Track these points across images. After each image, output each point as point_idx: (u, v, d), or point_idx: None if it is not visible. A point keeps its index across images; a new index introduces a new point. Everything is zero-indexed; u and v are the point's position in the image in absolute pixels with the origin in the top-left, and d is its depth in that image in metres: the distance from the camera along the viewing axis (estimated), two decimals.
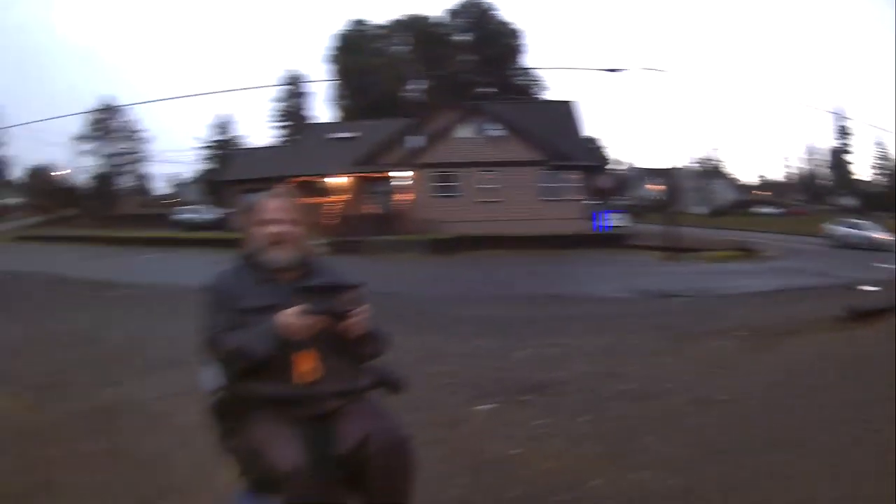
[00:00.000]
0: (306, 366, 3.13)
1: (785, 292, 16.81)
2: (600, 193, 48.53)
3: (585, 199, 44.19)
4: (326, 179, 45.22)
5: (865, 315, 10.80)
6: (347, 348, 3.21)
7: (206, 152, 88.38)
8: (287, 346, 3.07)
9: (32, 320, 12.61)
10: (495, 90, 73.60)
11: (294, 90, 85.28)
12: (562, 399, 6.78)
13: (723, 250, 33.24)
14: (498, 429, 5.86)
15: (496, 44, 77.37)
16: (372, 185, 45.26)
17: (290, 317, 3.03)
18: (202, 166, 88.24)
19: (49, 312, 13.60)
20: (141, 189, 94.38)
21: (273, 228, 3.35)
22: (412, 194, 43.55)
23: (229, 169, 56.12)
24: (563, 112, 49.34)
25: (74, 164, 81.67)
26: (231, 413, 3.18)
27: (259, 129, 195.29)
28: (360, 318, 3.13)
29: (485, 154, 42.75)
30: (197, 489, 4.34)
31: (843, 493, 4.20)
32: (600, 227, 41.18)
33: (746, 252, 32.83)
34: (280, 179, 42.87)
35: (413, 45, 79.45)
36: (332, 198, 44.76)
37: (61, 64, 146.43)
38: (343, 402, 3.15)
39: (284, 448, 2.88)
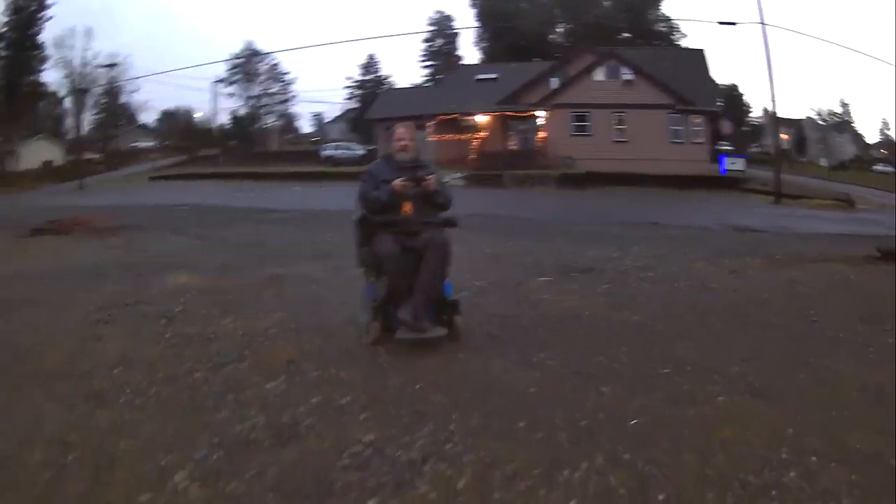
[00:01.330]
0: (407, 207, 6.00)
1: (849, 236, 17.40)
2: (723, 138, 49.68)
3: (709, 144, 45.51)
4: (469, 118, 47.98)
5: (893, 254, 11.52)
6: (427, 199, 6.07)
7: (352, 92, 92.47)
8: (396, 197, 5.94)
9: (203, 234, 15.81)
10: (632, 36, 74.35)
11: (442, 31, 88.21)
12: (597, 277, 9.44)
13: (824, 199, 34.59)
14: (544, 289, 8.60)
15: None
16: (512, 123, 47.79)
17: (400, 184, 5.91)
18: (348, 106, 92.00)
19: (215, 229, 16.72)
20: (284, 129, 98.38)
21: (400, 142, 6.33)
22: (548, 132, 45.82)
23: (374, 108, 59.45)
24: (692, 59, 50.36)
25: (214, 106, 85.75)
26: (365, 231, 6.05)
27: (405, 69, 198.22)
28: (429, 184, 5.98)
29: (618, 97, 44.65)
30: (336, 307, 7.33)
31: (785, 350, 6.07)
32: (721, 170, 42.21)
33: (844, 203, 33.87)
34: (425, 117, 46.75)
35: None
36: (474, 135, 47.53)
37: (200, 11, 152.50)
38: (422, 227, 5.95)
39: (387, 244, 5.76)
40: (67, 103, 74.52)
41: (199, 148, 75.68)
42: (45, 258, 12.58)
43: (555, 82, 47.70)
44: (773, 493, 3.35)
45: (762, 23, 34.17)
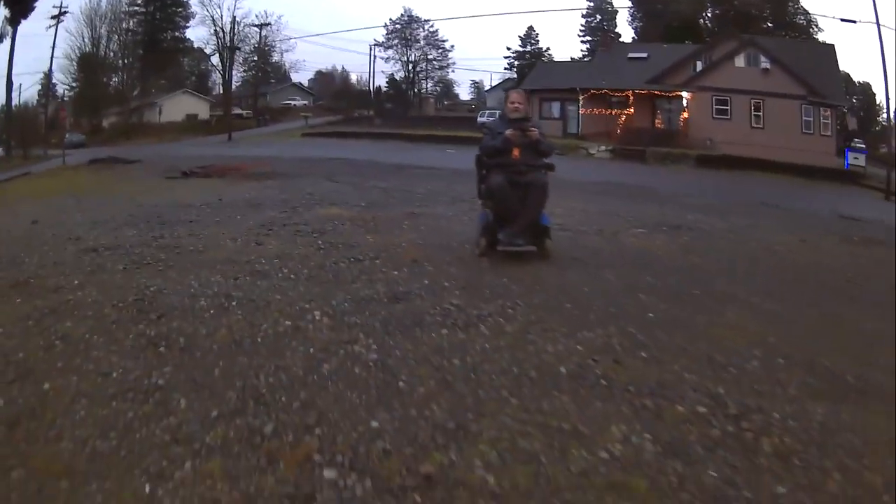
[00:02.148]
0: (516, 152, 7.33)
1: None
2: (851, 134, 48.84)
3: (835, 137, 45.06)
4: (618, 94, 48.54)
5: None
6: (532, 147, 7.40)
7: (511, 62, 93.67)
8: (509, 144, 7.32)
9: (354, 181, 17.59)
10: (773, 25, 73.26)
11: (600, 8, 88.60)
12: (684, 233, 10.43)
13: None
14: (635, 235, 9.78)
15: None
16: (658, 101, 48.07)
17: (510, 133, 7.30)
18: (507, 75, 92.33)
19: (366, 178, 18.56)
20: (442, 94, 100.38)
21: (512, 104, 7.74)
22: (691, 113, 46.16)
23: (530, 78, 60.51)
24: (824, 53, 49.23)
25: (371, 69, 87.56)
26: (483, 169, 7.57)
27: (564, 43, 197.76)
28: (533, 134, 7.32)
29: (756, 84, 44.32)
30: (458, 234, 8.75)
31: (806, 294, 7.41)
32: (846, 164, 41.50)
33: None
34: (577, 91, 47.98)
35: None
36: (623, 111, 48.28)
37: None
38: (529, 169, 7.30)
39: (499, 179, 7.16)
40: (215, 60, 77.40)
41: (354, 109, 77.43)
42: (202, 193, 14.67)
43: (700, 66, 47.75)
44: (733, 370, 4.37)
45: (877, 22, 33.35)
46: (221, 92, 73.89)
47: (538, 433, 3.29)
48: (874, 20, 33.66)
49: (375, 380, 3.87)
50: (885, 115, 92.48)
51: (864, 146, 45.57)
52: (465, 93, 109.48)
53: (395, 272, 6.59)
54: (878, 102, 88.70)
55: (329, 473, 2.90)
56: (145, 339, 4.51)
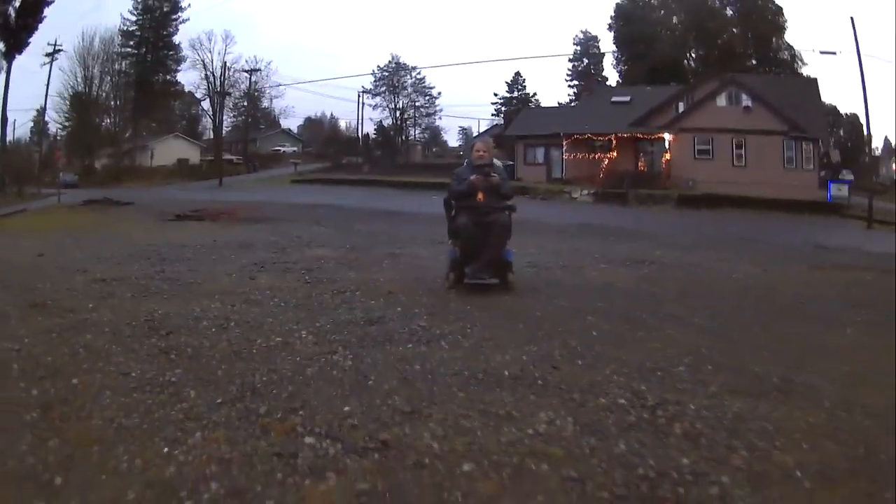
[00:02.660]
0: (480, 196, 8.29)
1: None
2: (831, 166, 50.14)
3: (817, 170, 46.27)
4: (601, 138, 49.61)
5: None
6: (495, 190, 8.34)
7: (498, 108, 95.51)
8: (474, 188, 8.25)
9: (340, 225, 18.81)
10: (757, 63, 75.53)
11: (586, 52, 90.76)
12: (646, 266, 11.46)
13: None
14: (597, 270, 10.72)
15: (759, 19, 78.79)
16: (641, 144, 49.36)
17: (475, 178, 8.27)
18: (494, 121, 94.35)
19: (351, 223, 19.76)
20: (429, 141, 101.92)
21: (477, 152, 8.63)
22: (673, 154, 47.34)
23: (515, 125, 61.91)
24: (806, 87, 50.82)
25: (359, 115, 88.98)
26: (450, 211, 8.52)
27: (551, 87, 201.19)
28: (494, 179, 8.27)
29: (738, 122, 45.67)
30: (433, 272, 9.62)
31: (756, 315, 8.40)
32: (829, 197, 42.09)
33: None
34: (560, 136, 49.30)
35: (684, 17, 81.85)
36: (605, 154, 49.40)
37: (344, 23, 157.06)
38: (491, 210, 8.23)
39: (465, 220, 8.14)
40: (205, 105, 78.71)
41: (343, 156, 78.59)
42: (196, 235, 15.74)
43: (682, 107, 49.25)
44: (660, 373, 5.15)
45: (858, 53, 34.56)
46: (212, 136, 75.03)
47: (478, 416, 4.08)
48: (855, 50, 34.25)
49: (349, 379, 4.70)
50: (873, 147, 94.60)
51: (851, 177, 46.64)
52: (453, 139, 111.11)
53: (373, 301, 7.50)
54: (865, 135, 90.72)
55: (309, 440, 3.68)
56: (157, 349, 5.34)
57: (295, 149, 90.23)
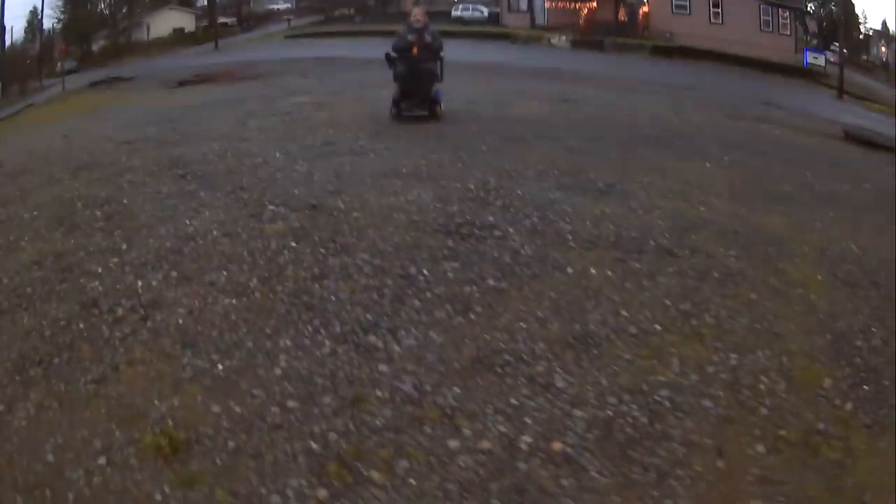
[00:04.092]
0: (415, 50, 10.83)
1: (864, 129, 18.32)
2: (808, 35, 50.94)
3: (794, 36, 46.98)
4: None
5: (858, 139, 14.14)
6: (427, 47, 10.81)
7: None
8: (410, 45, 10.84)
9: (323, 76, 20.66)
10: None
11: None
12: (573, 104, 13.83)
13: (885, 105, 33.20)
14: (524, 105, 13.06)
15: None
16: None
17: (412, 38, 10.86)
18: None
19: (334, 72, 21.56)
20: None
21: (414, 17, 11.30)
22: (651, 7, 48.13)
23: None
24: None
25: None
26: (391, 61, 11.05)
27: None
28: (426, 39, 10.73)
29: None
30: (385, 112, 11.96)
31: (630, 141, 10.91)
32: (804, 62, 42.54)
33: None
34: None
35: None
36: (585, 3, 50.26)
37: None
38: (423, 61, 10.74)
39: (402, 68, 10.95)
40: None
41: (335, 8, 78.67)
42: (197, 96, 18.10)
43: None
44: (513, 173, 7.83)
45: None
46: (206, 2, 75.25)
47: (374, 193, 6.68)
48: None
49: (301, 177, 7.32)
50: (867, 26, 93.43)
51: (821, 49, 47.32)
52: None
53: (331, 131, 10.05)
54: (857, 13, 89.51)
55: (270, 207, 6.31)
56: (178, 175, 7.84)
57: (288, 5, 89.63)
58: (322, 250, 5.25)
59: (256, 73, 23.22)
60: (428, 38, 10.85)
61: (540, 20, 52.18)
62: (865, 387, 3.96)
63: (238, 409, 3.46)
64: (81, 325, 4.34)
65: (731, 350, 4.21)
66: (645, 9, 48.20)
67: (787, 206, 7.44)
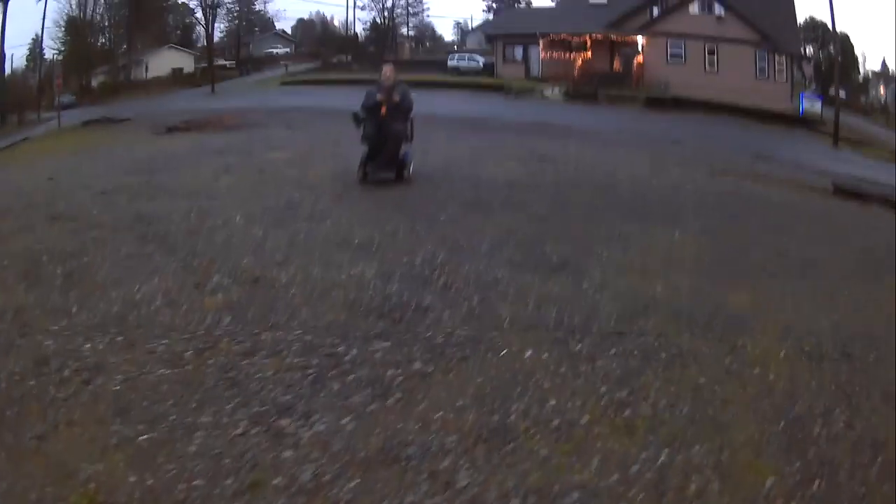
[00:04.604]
0: (384, 110, 11.01)
1: (856, 179, 18.59)
2: (806, 79, 51.44)
3: (794, 82, 47.26)
4: (577, 38, 50.86)
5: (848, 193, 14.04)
6: (395, 107, 10.96)
7: (490, 4, 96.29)
8: (378, 105, 10.99)
9: (308, 128, 21.32)
10: None
11: None
12: (538, 162, 14.03)
13: (881, 149, 34.12)
14: (499, 165, 13.24)
15: None
16: (615, 46, 50.57)
17: (380, 98, 11.09)
18: (487, 17, 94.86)
19: (319, 125, 22.05)
20: (418, 38, 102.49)
21: (384, 76, 11.43)
22: (646, 58, 48.67)
23: (496, 24, 63.85)
24: (781, 1, 51.36)
25: (346, 14, 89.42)
26: (360, 121, 11.17)
27: None
28: (396, 98, 10.91)
29: (710, 30, 46.64)
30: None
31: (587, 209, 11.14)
32: (800, 109, 43.13)
33: None
34: (538, 36, 51.03)
35: None
36: (581, 54, 50.87)
37: None
38: (392, 122, 10.90)
39: (370, 129, 11.01)
40: (199, 14, 79.45)
41: (333, 54, 79.58)
42: (183, 144, 18.52)
43: (656, 12, 50.28)
44: (466, 247, 7.91)
45: None
46: (206, 44, 76.15)
47: (320, 267, 6.77)
48: None
49: (256, 244, 7.46)
50: (866, 67, 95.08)
51: (819, 94, 47.68)
52: (448, 33, 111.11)
53: (297, 193, 10.19)
54: (855, 55, 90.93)
55: (216, 277, 6.44)
56: (140, 235, 8.00)
57: (287, 50, 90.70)
58: (255, 327, 5.33)
59: (244, 122, 23.68)
60: (397, 97, 10.97)
61: (535, 71, 52.97)
62: (816, 484, 3.61)
63: (150, 482, 3.51)
64: (33, 382, 4.46)
65: (664, 444, 3.90)
66: (640, 59, 48.91)
67: (756, 279, 7.25)
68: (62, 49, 73.98)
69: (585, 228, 8.83)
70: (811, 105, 43.31)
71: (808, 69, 56.26)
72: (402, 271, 6.65)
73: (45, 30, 70.16)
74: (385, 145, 10.86)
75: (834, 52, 53.68)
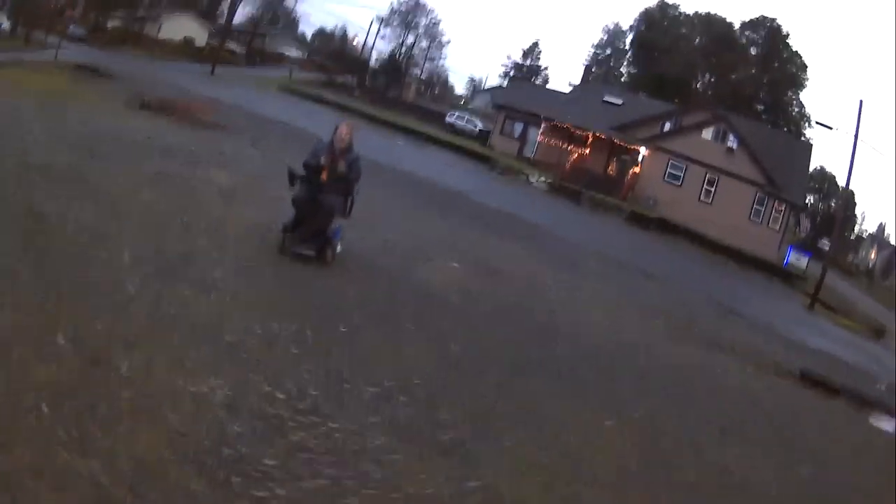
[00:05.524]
0: (324, 175, 9.45)
1: (823, 357, 17.79)
2: (801, 230, 51.70)
3: (784, 232, 47.45)
4: (579, 131, 51.01)
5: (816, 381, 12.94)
6: (339, 177, 9.66)
7: (507, 70, 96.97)
8: (320, 167, 9.54)
9: (270, 147, 20.46)
10: (764, 109, 76.87)
11: (612, 42, 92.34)
12: (488, 275, 13.09)
13: (858, 322, 33.46)
14: (440, 269, 12.33)
15: (781, 68, 79.87)
16: (616, 150, 50.78)
17: (325, 159, 9.52)
18: (499, 81, 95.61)
19: (283, 145, 21.17)
20: (426, 83, 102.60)
21: (340, 136, 9.81)
22: (643, 170, 48.81)
23: (503, 93, 63.65)
24: (798, 149, 52.30)
25: (364, 40, 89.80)
26: (293, 179, 9.63)
27: (564, 65, 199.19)
28: (341, 169, 9.57)
29: (716, 159, 46.94)
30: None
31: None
32: (785, 262, 43.22)
33: (875, 331, 32.67)
34: (540, 118, 51.10)
35: (706, 40, 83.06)
36: (578, 148, 50.97)
37: None
38: (328, 192, 9.58)
39: (302, 193, 9.49)
40: None
41: (340, 73, 79.27)
42: (142, 127, 17.80)
43: (668, 126, 50.39)
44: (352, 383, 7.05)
45: (856, 135, 34.03)
46: (223, 24, 75.69)
47: (172, 373, 5.69)
48: (854, 132, 34.09)
49: (118, 307, 6.33)
50: (860, 227, 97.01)
51: (807, 251, 47.55)
52: (460, 84, 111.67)
53: (204, 239, 9.16)
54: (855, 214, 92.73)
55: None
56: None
57: (300, 54, 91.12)
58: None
59: (217, 121, 22.83)
60: (343, 167, 9.62)
61: (528, 152, 53.19)
62: None
63: None
64: None
65: None
66: (636, 169, 48.91)
67: None
68: None
69: (500, 392, 7.23)
70: (797, 259, 43.62)
71: (806, 223, 56.56)
72: (256, 406, 5.27)
73: None
74: (314, 217, 9.52)
75: (836, 212, 53.70)
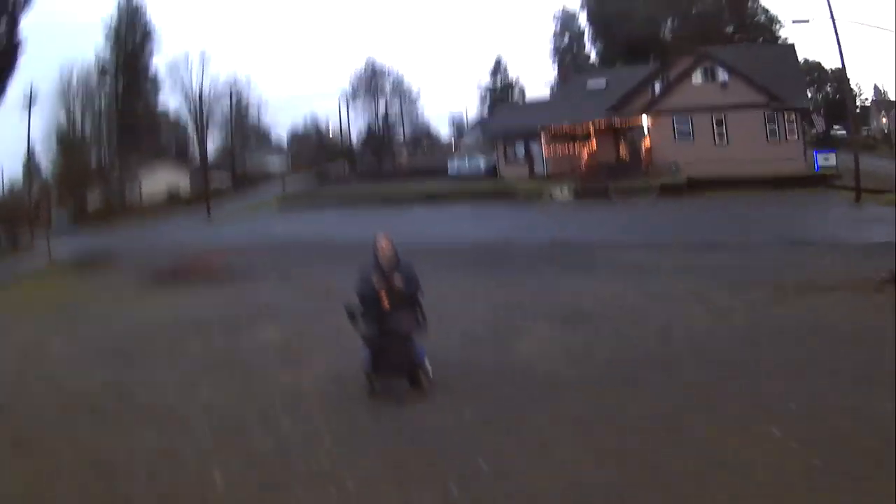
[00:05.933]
0: (385, 303, 8.46)
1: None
2: (815, 134, 50.17)
3: (802, 139, 45.82)
4: (580, 128, 49.97)
5: None
6: (398, 295, 8.54)
7: (483, 97, 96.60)
8: (378, 295, 8.48)
9: (309, 284, 19.63)
10: (733, 30, 75.81)
11: (566, 27, 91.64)
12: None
13: None
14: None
15: None
16: (621, 130, 49.83)
17: (377, 283, 8.46)
18: (482, 111, 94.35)
19: (321, 273, 19.76)
20: (414, 141, 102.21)
21: (382, 251, 8.68)
22: (653, 139, 47.64)
23: (495, 122, 62.95)
24: (784, 55, 50.88)
25: (340, 120, 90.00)
26: (353, 317, 8.70)
27: (532, 69, 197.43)
28: (397, 285, 8.46)
29: (716, 98, 45.54)
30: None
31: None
32: (816, 167, 42.18)
33: None
34: (541, 129, 50.22)
35: None
36: (585, 144, 50.03)
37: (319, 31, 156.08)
38: (395, 316, 8.49)
39: (369, 328, 8.53)
40: (190, 129, 79.72)
41: (329, 169, 78.79)
42: (165, 309, 16.40)
43: (658, 88, 49.24)
44: None
45: (832, 18, 33.50)
46: (199, 162, 75.66)
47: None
48: (829, 17, 33.68)
49: None
50: (862, 98, 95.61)
51: (843, 131, 46.01)
52: (444, 127, 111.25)
53: (288, 421, 7.99)
54: (852, 90, 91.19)
55: None
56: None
57: (283, 163, 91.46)
58: None
59: (235, 265, 21.84)
60: (399, 282, 8.46)
61: (539, 169, 51.93)
62: None
63: None
64: None
65: None
66: (647, 142, 47.67)
67: None
68: (55, 169, 73.04)
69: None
70: (825, 160, 42.20)
71: (820, 120, 54.87)
72: None
73: (37, 143, 70.03)
74: (391, 347, 8.40)
75: (844, 96, 52.23)
